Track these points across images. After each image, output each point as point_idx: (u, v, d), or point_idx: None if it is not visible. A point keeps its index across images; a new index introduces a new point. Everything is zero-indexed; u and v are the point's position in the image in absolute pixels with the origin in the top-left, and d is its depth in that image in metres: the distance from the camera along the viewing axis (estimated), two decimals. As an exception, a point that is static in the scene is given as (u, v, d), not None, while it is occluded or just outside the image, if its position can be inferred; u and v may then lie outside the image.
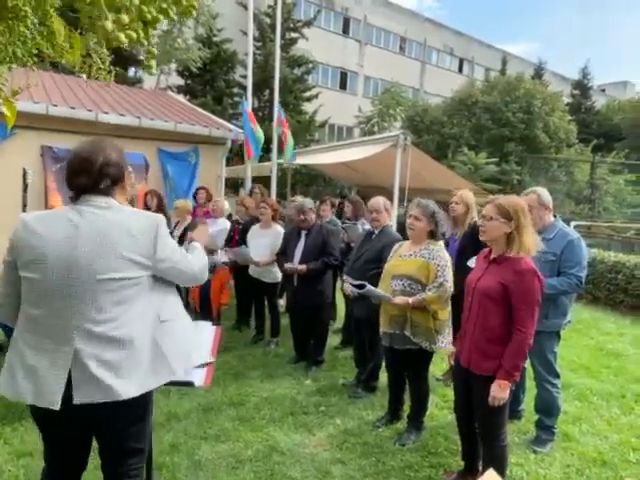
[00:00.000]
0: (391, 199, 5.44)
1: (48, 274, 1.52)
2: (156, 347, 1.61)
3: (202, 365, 1.89)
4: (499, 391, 2.22)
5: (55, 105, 5.85)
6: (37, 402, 1.50)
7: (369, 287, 3.03)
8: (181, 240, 5.36)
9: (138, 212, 1.69)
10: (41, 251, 1.52)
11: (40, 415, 1.59)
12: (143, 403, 1.62)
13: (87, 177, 1.59)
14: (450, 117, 17.34)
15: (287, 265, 4.11)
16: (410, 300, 2.86)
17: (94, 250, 1.52)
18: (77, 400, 1.48)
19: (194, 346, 1.81)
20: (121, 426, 1.62)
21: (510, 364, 2.21)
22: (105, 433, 1.65)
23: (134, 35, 1.24)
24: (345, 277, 3.37)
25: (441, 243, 3.09)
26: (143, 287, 1.61)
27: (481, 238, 2.37)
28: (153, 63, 1.45)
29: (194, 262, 1.78)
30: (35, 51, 1.17)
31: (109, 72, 1.36)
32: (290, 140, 7.18)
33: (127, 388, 1.52)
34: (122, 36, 1.21)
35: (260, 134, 6.86)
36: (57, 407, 1.48)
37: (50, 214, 1.64)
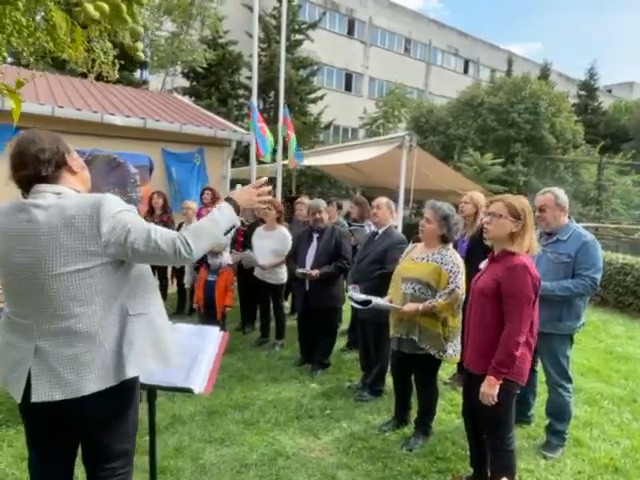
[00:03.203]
0: (396, 200, 5.40)
1: (6, 277, 1.55)
2: (119, 343, 1.54)
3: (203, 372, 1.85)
4: (487, 387, 2.18)
5: (61, 106, 5.86)
6: (6, 388, 1.56)
7: (375, 302, 2.99)
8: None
9: (81, 196, 1.58)
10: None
11: (21, 408, 1.60)
12: (115, 399, 1.56)
13: (24, 169, 1.55)
14: (455, 118, 17.28)
15: (300, 270, 4.06)
16: (420, 307, 2.81)
17: (40, 247, 1.47)
18: (35, 398, 1.47)
19: (166, 348, 1.66)
20: (94, 423, 1.57)
21: (496, 360, 2.17)
22: (78, 432, 1.62)
23: (105, 7, 1.13)
24: (350, 293, 3.33)
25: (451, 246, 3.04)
26: (101, 277, 1.51)
27: (485, 235, 2.34)
28: (139, 45, 1.35)
29: (166, 240, 1.49)
30: (32, 41, 1.12)
31: (113, 66, 1.31)
32: (292, 143, 7.12)
33: (85, 384, 1.49)
34: (91, 8, 1.11)
35: (270, 136, 6.84)
36: (19, 400, 1.51)
37: (3, 212, 1.58)
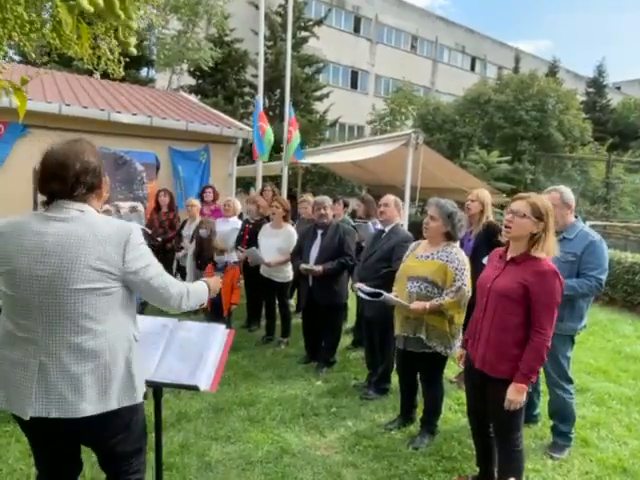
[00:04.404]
0: (402, 198, 5.37)
1: (18, 288, 1.46)
2: (127, 365, 1.55)
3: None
4: (516, 394, 2.16)
5: (68, 105, 5.89)
6: (10, 409, 1.50)
7: (385, 295, 2.97)
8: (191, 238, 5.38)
9: (110, 220, 1.59)
10: (10, 264, 1.46)
11: (19, 421, 1.56)
12: (122, 415, 1.56)
13: (61, 184, 1.48)
14: (462, 116, 17.17)
15: (303, 266, 4.07)
16: (427, 305, 2.80)
17: (62, 261, 1.43)
18: (32, 413, 1.44)
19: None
20: (103, 439, 1.58)
21: (528, 367, 2.15)
22: (86, 442, 1.62)
23: (100, 2, 1.09)
24: (359, 285, 3.32)
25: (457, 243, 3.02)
26: (116, 299, 1.53)
27: (505, 234, 2.29)
28: (132, 40, 1.31)
29: (175, 285, 1.63)
30: (35, 37, 1.10)
31: (119, 63, 1.30)
32: (294, 139, 7.07)
33: (85, 405, 1.46)
34: (85, 2, 1.07)
35: (270, 135, 6.78)
36: (27, 417, 1.45)
37: (17, 223, 1.51)
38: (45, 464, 1.69)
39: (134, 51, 1.38)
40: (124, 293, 1.56)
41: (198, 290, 1.78)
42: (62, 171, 1.48)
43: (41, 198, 1.56)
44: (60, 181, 1.48)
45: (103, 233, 1.48)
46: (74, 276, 1.44)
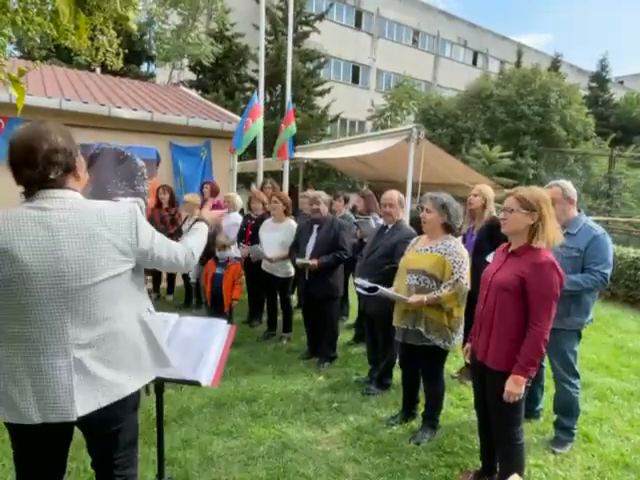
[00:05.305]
0: (404, 194, 5.35)
1: (32, 286, 1.37)
2: (149, 338, 1.63)
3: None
4: (514, 386, 2.16)
5: (68, 100, 5.87)
6: (46, 419, 1.42)
7: (382, 289, 2.97)
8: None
9: (109, 203, 1.54)
10: (17, 260, 1.36)
11: (21, 430, 1.49)
12: (136, 394, 1.62)
13: (32, 168, 1.39)
14: (464, 110, 17.10)
15: (299, 260, 4.10)
16: (425, 298, 2.79)
17: (79, 252, 1.40)
18: (82, 412, 1.43)
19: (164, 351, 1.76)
20: (117, 422, 1.59)
21: (525, 359, 2.15)
22: (101, 433, 1.60)
23: None
24: (357, 280, 3.32)
25: (459, 238, 3.01)
26: (127, 278, 1.55)
27: (502, 230, 2.30)
28: (131, 14, 1.26)
29: (181, 252, 1.69)
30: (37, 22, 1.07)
31: (117, 55, 1.28)
32: (286, 133, 6.92)
33: (131, 382, 1.55)
34: None
35: (253, 132, 6.63)
36: (75, 418, 1.43)
37: (12, 215, 1.41)
38: (29, 469, 1.59)
39: (133, 26, 1.32)
40: (134, 273, 1.58)
41: (200, 240, 1.86)
42: (29, 154, 1.40)
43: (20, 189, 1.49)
44: (29, 165, 1.40)
45: (112, 218, 1.48)
46: (94, 267, 1.43)
